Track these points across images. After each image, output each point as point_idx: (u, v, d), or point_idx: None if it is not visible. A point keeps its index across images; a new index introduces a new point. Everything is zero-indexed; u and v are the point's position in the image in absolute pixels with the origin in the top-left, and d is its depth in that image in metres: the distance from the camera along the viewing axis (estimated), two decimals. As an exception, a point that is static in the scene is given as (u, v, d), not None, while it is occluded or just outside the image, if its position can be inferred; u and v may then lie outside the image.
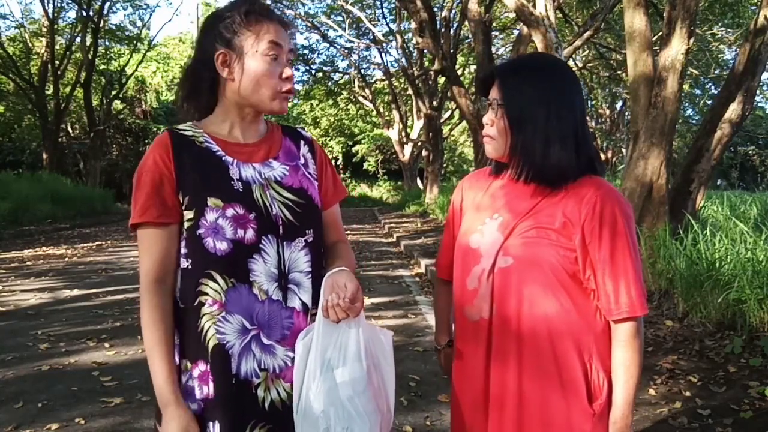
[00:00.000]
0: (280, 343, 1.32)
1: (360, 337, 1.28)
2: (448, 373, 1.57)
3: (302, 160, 1.43)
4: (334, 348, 1.27)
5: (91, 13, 20.00)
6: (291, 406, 1.31)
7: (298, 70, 25.57)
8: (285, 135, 1.45)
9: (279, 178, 1.36)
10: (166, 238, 1.31)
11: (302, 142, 1.45)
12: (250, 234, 1.30)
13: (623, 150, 21.95)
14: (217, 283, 1.29)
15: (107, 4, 20.86)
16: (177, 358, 1.34)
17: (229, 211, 1.29)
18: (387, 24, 21.84)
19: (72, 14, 21.28)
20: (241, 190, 1.31)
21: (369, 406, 1.26)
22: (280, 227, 1.33)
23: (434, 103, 19.31)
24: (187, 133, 1.35)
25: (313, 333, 1.28)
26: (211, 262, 1.29)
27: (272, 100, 1.32)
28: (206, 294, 1.30)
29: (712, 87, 21.69)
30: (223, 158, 1.33)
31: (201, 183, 1.30)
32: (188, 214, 1.30)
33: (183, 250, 1.32)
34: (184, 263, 1.32)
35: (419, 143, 21.66)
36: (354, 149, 33.13)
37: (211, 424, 1.30)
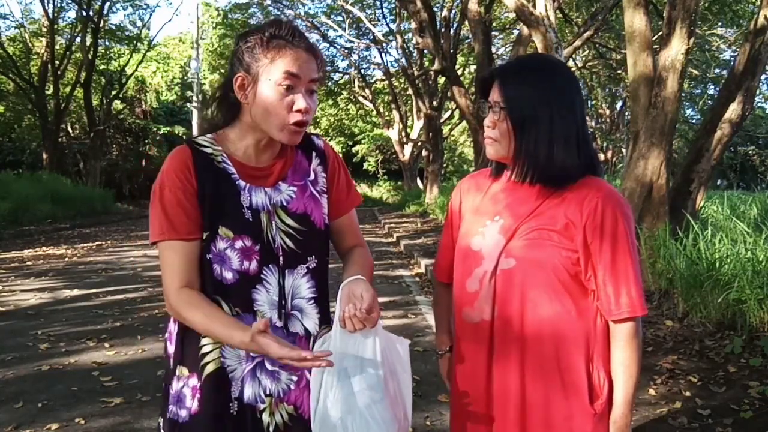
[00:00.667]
0: (283, 369, 1.34)
1: (377, 345, 1.28)
2: (449, 379, 1.56)
3: (312, 176, 1.42)
4: (351, 356, 1.27)
5: (91, 13, 20.00)
6: (292, 427, 1.35)
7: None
8: (298, 147, 1.42)
9: (285, 203, 1.36)
10: (191, 251, 1.30)
11: (314, 154, 1.44)
12: (254, 265, 1.32)
13: (623, 150, 21.95)
14: (223, 309, 1.31)
15: (107, 4, 20.86)
16: (172, 363, 1.37)
17: (238, 243, 1.31)
18: (387, 24, 21.85)
19: (72, 14, 21.31)
20: (250, 219, 1.32)
21: (386, 414, 1.26)
22: (281, 257, 1.34)
23: (434, 103, 19.30)
24: (207, 150, 1.34)
25: (329, 342, 1.29)
26: (218, 289, 1.31)
27: (280, 131, 1.29)
28: None
29: (711, 87, 21.69)
30: (237, 182, 1.33)
31: (215, 209, 1.31)
32: (203, 235, 1.32)
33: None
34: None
35: (419, 143, 21.66)
36: (354, 149, 33.12)
37: None
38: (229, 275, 1.31)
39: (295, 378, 1.36)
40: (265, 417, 1.34)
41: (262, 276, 1.32)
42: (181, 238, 1.29)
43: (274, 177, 1.37)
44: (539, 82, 1.33)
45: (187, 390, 1.34)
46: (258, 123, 1.31)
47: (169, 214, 1.28)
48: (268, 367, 1.34)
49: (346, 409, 1.25)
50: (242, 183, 1.34)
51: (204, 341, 1.32)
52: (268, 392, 1.34)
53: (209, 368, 1.32)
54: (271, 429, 1.34)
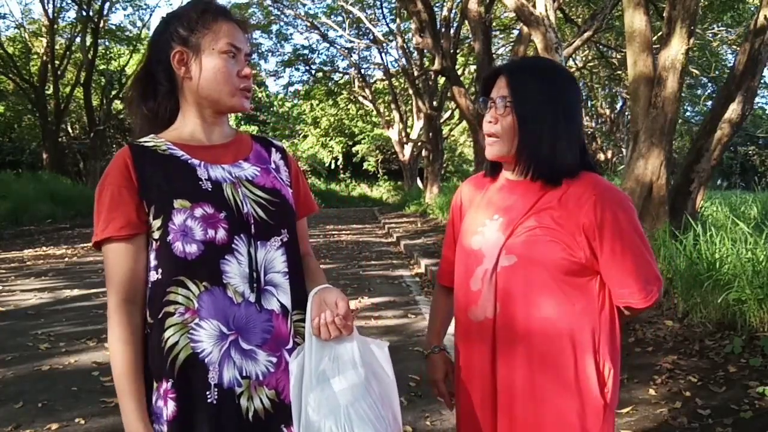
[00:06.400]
0: (261, 348, 1.26)
1: (354, 347, 1.25)
2: (434, 378, 1.58)
3: (273, 165, 1.39)
4: (329, 360, 1.24)
5: (91, 13, 20.00)
6: (274, 414, 1.27)
7: (297, 69, 25.62)
8: (255, 141, 1.42)
9: (250, 178, 1.32)
10: (132, 252, 1.24)
11: (273, 150, 1.42)
12: (221, 234, 1.24)
13: (623, 150, 21.94)
14: (189, 289, 1.23)
15: (107, 4, 20.86)
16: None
17: (198, 211, 1.23)
18: (387, 24, 21.86)
19: (72, 14, 21.31)
20: (210, 189, 1.26)
21: (371, 412, 1.23)
22: (252, 226, 1.28)
23: (434, 103, 19.31)
24: (148, 144, 1.30)
25: (304, 351, 1.26)
26: (181, 268, 1.23)
27: (232, 97, 1.30)
28: (175, 303, 1.23)
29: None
30: (189, 161, 1.29)
31: (166, 188, 1.24)
32: (156, 223, 1.24)
33: (153, 263, 1.26)
34: (154, 276, 1.25)
35: (419, 143, 21.66)
36: (354, 149, 33.11)
37: None
38: (193, 248, 1.22)
39: (274, 359, 1.26)
40: (243, 402, 1.24)
41: (233, 246, 1.25)
42: (125, 234, 1.23)
43: (230, 156, 1.33)
44: (547, 81, 1.35)
45: (161, 401, 1.23)
46: (206, 95, 1.29)
47: (108, 213, 1.24)
48: (243, 346, 1.24)
49: (327, 410, 1.20)
50: (195, 161, 1.29)
51: (165, 334, 1.22)
52: (244, 374, 1.24)
53: (180, 359, 1.22)
54: (250, 415, 1.24)
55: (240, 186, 1.30)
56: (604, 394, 1.34)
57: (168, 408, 1.23)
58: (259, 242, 1.28)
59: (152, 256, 1.26)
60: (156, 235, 1.25)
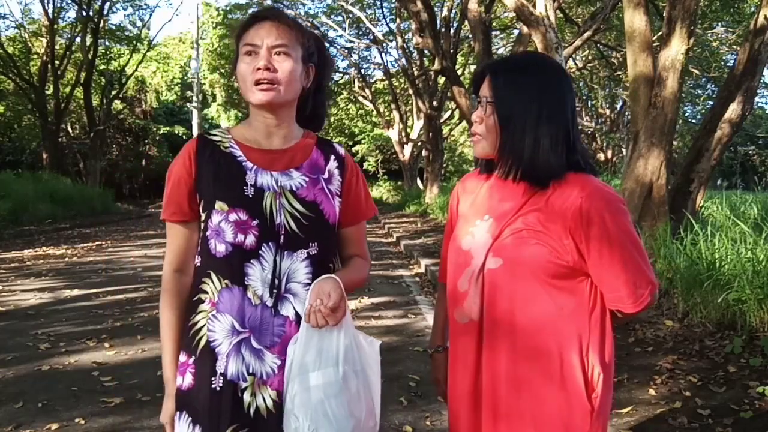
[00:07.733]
0: (269, 349, 1.34)
1: (340, 342, 1.30)
2: (436, 378, 1.58)
3: (326, 175, 1.44)
4: (314, 352, 1.29)
5: (91, 13, 20.01)
6: (275, 414, 1.34)
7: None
8: (317, 147, 1.47)
9: (294, 188, 1.38)
10: (184, 234, 1.40)
11: (332, 157, 1.47)
12: (250, 240, 1.33)
13: (623, 150, 21.94)
14: (213, 283, 1.36)
15: (107, 4, 20.89)
16: None
17: (232, 216, 1.34)
18: (387, 24, 21.86)
19: (72, 14, 21.34)
20: (251, 196, 1.35)
21: (339, 411, 1.27)
22: (282, 236, 1.35)
23: (434, 103, 19.30)
24: (215, 138, 1.42)
25: (297, 338, 1.32)
26: (212, 263, 1.36)
27: (251, 94, 1.35)
28: (206, 292, 1.36)
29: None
30: (243, 164, 1.38)
31: (213, 187, 1.36)
32: (203, 216, 1.38)
33: (198, 248, 1.41)
34: (198, 260, 1.40)
35: (419, 143, 21.66)
36: (354, 149, 33.12)
37: (178, 413, 1.37)
38: (221, 248, 1.34)
39: (279, 362, 1.34)
40: (246, 397, 1.33)
41: (260, 252, 1.34)
42: (175, 220, 1.40)
43: (284, 163, 1.40)
44: (530, 80, 1.32)
45: (180, 370, 1.40)
46: (243, 96, 1.38)
47: (168, 198, 1.40)
48: (254, 345, 1.33)
49: (299, 403, 1.27)
50: (249, 164, 1.38)
51: (196, 318, 1.37)
52: (251, 371, 1.33)
53: (201, 342, 1.35)
54: (251, 411, 1.33)
55: (281, 197, 1.37)
56: (592, 399, 1.31)
57: (183, 379, 1.37)
58: (286, 252, 1.36)
59: (199, 242, 1.41)
60: (202, 226, 1.39)
